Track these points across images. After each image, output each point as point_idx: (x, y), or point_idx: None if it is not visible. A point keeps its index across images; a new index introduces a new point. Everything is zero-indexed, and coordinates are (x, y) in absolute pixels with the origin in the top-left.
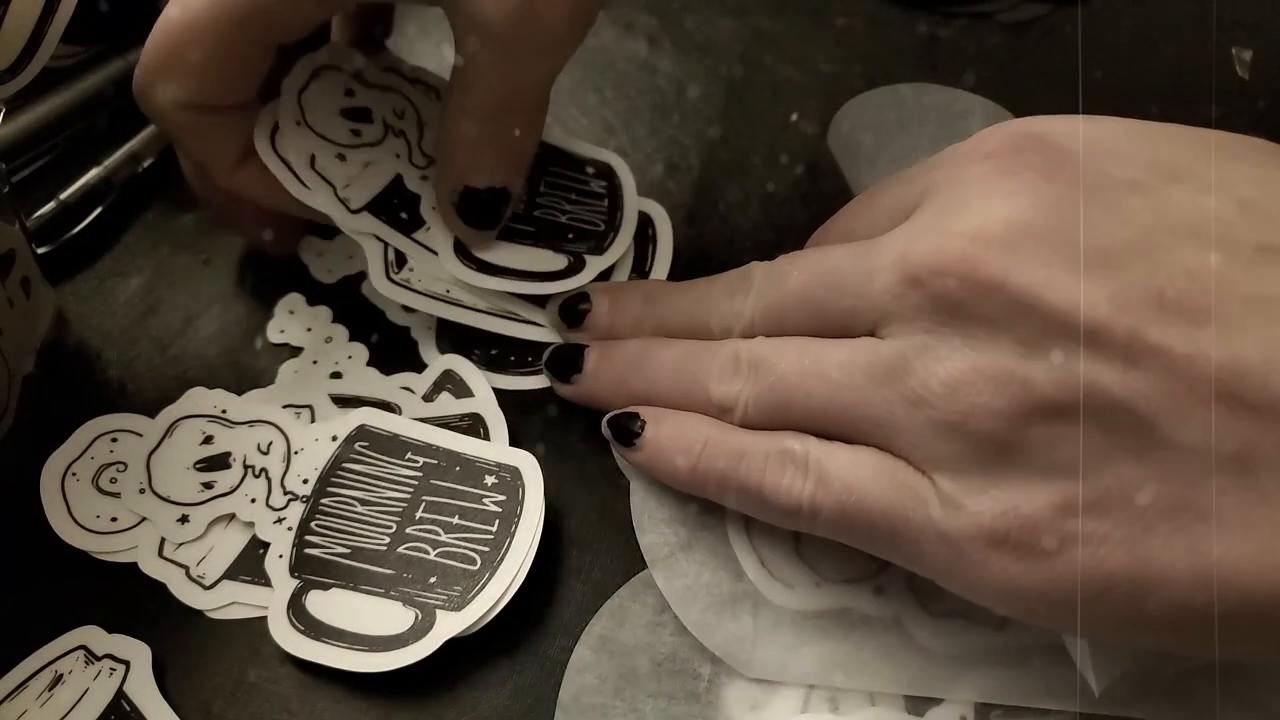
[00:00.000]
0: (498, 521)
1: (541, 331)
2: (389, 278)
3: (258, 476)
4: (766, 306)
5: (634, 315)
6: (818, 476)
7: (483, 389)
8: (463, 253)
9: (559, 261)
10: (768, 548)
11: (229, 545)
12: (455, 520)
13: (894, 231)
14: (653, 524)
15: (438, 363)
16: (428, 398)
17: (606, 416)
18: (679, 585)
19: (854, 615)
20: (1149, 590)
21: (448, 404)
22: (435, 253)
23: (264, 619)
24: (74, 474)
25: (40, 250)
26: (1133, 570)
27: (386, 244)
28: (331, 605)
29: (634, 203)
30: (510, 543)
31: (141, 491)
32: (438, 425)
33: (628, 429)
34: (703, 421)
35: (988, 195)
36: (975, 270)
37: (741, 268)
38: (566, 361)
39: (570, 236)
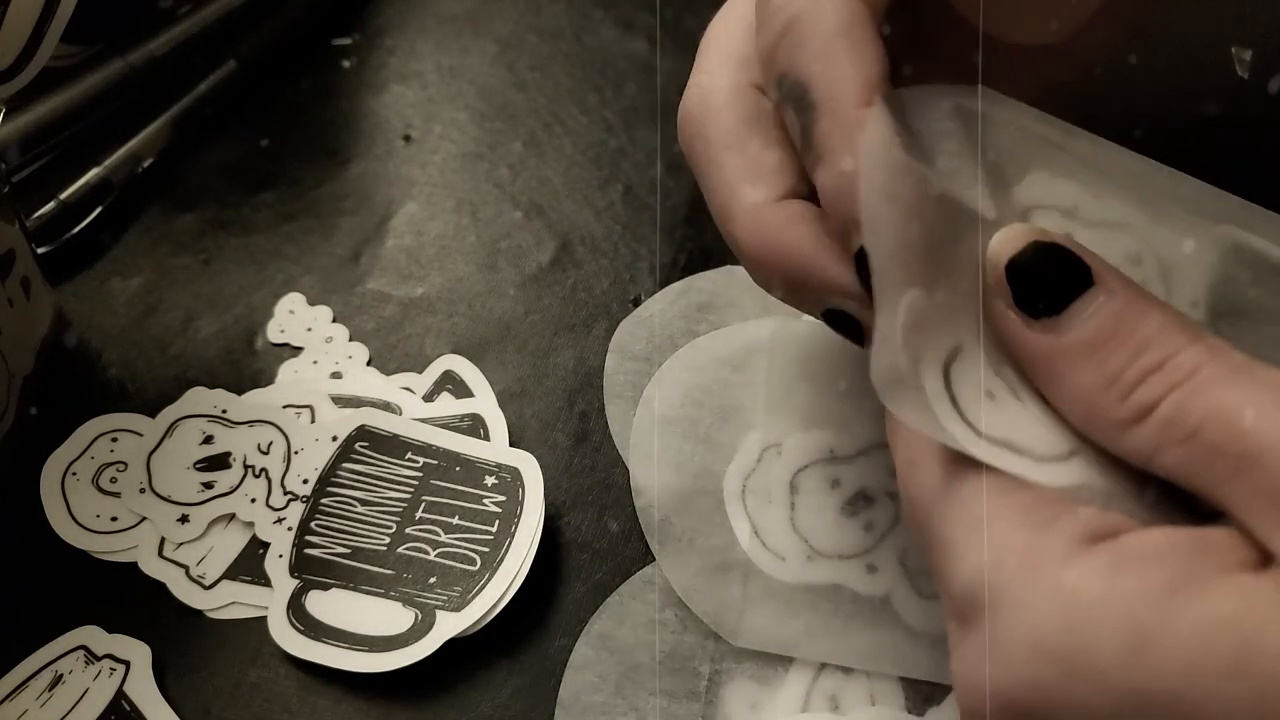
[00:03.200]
0: (497, 522)
1: None
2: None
3: (258, 476)
4: None
5: None
6: None
7: (483, 389)
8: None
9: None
10: (762, 516)
11: (229, 545)
12: (455, 520)
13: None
14: (649, 488)
15: (438, 363)
16: (428, 398)
17: None
18: (672, 551)
19: (844, 592)
20: None
21: (448, 404)
22: None
23: (264, 619)
24: (74, 474)
25: (40, 250)
26: None
27: None
28: (331, 605)
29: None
30: (510, 543)
31: (141, 491)
32: (438, 425)
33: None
34: None
35: None
36: None
37: None
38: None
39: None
